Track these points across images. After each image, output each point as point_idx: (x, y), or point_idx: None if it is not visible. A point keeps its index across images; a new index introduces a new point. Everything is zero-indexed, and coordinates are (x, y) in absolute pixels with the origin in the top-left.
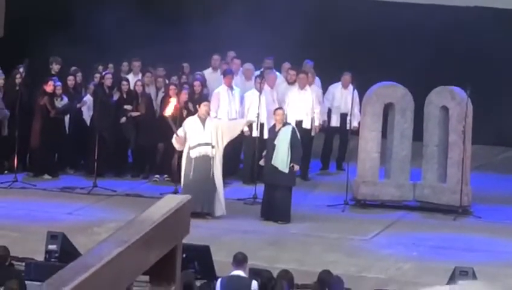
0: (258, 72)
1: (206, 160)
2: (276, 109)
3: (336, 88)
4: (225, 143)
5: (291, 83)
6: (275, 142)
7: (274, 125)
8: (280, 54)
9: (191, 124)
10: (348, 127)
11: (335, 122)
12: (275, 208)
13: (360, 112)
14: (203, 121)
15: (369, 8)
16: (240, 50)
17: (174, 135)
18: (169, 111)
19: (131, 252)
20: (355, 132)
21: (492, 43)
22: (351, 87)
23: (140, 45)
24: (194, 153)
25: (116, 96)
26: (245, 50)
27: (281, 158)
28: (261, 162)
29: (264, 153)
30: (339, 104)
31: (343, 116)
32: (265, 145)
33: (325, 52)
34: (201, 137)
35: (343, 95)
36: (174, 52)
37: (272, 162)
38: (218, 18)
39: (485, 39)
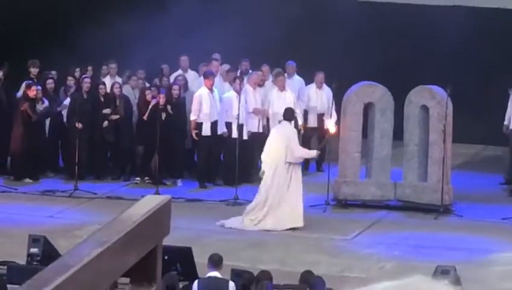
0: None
1: None
2: None
3: (311, 89)
4: None
5: (260, 85)
6: None
7: None
8: (259, 56)
9: None
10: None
11: (312, 122)
12: None
13: (336, 112)
14: None
15: (348, 7)
16: (218, 52)
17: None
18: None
19: (111, 253)
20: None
21: (473, 41)
22: (325, 86)
23: (119, 47)
24: None
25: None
26: (223, 51)
27: None
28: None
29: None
30: (315, 104)
31: (320, 116)
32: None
33: (303, 53)
34: None
35: (318, 95)
36: (154, 54)
37: None
38: (193, 19)
39: (466, 38)
